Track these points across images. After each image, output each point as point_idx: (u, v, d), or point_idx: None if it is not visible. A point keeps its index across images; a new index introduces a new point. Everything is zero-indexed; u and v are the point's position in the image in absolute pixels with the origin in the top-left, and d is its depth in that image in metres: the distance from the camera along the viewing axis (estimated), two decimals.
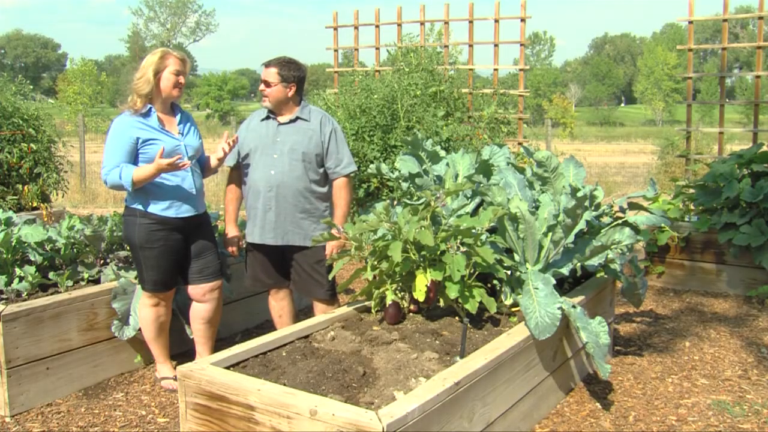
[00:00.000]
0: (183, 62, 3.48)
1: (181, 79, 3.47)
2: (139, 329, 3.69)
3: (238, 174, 3.77)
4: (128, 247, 3.59)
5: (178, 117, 3.55)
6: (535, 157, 3.75)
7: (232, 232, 3.83)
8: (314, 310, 3.80)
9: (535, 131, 12.80)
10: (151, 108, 3.44)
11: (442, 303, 3.20)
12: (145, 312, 3.59)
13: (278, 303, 3.86)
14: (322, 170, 3.66)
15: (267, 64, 3.63)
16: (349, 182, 3.71)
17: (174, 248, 3.48)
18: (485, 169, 3.81)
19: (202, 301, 3.63)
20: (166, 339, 3.67)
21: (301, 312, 4.66)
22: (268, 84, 3.59)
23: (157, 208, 3.41)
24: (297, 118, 3.63)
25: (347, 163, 3.68)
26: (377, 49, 7.76)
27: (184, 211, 3.48)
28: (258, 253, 3.74)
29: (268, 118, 3.68)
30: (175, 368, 3.58)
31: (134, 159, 3.39)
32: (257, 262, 3.76)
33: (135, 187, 3.34)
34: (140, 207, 3.42)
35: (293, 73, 3.59)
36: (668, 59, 59.04)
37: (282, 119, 3.64)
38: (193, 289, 3.61)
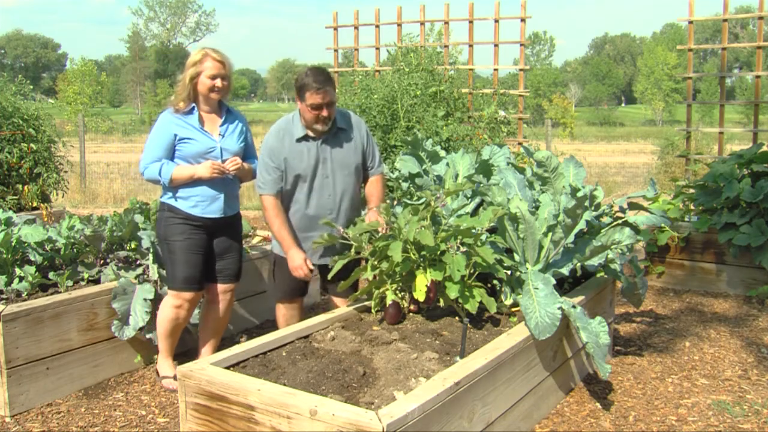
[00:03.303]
0: (222, 64, 3.43)
1: (218, 83, 3.42)
2: (140, 329, 3.69)
3: (280, 198, 3.49)
4: (156, 242, 3.66)
5: (224, 118, 3.54)
6: (535, 157, 3.74)
7: (298, 255, 3.44)
8: (334, 306, 3.77)
9: (535, 131, 12.79)
10: (194, 107, 3.46)
11: (442, 303, 3.20)
12: (166, 310, 3.55)
13: (294, 311, 3.78)
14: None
15: (322, 84, 3.27)
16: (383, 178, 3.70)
17: (198, 243, 3.48)
18: (485, 169, 3.81)
19: (215, 301, 3.64)
20: (175, 339, 3.68)
21: None
22: (331, 104, 3.32)
23: (183, 204, 3.45)
24: (337, 129, 3.46)
25: (380, 160, 3.66)
26: (377, 49, 7.75)
27: (211, 211, 3.49)
28: None
29: (306, 138, 3.43)
30: (175, 368, 3.58)
31: (171, 155, 3.44)
32: (301, 280, 3.58)
33: (173, 184, 3.41)
34: (168, 202, 3.48)
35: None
36: (668, 59, 59.08)
37: (323, 136, 3.45)
38: (209, 288, 3.62)
